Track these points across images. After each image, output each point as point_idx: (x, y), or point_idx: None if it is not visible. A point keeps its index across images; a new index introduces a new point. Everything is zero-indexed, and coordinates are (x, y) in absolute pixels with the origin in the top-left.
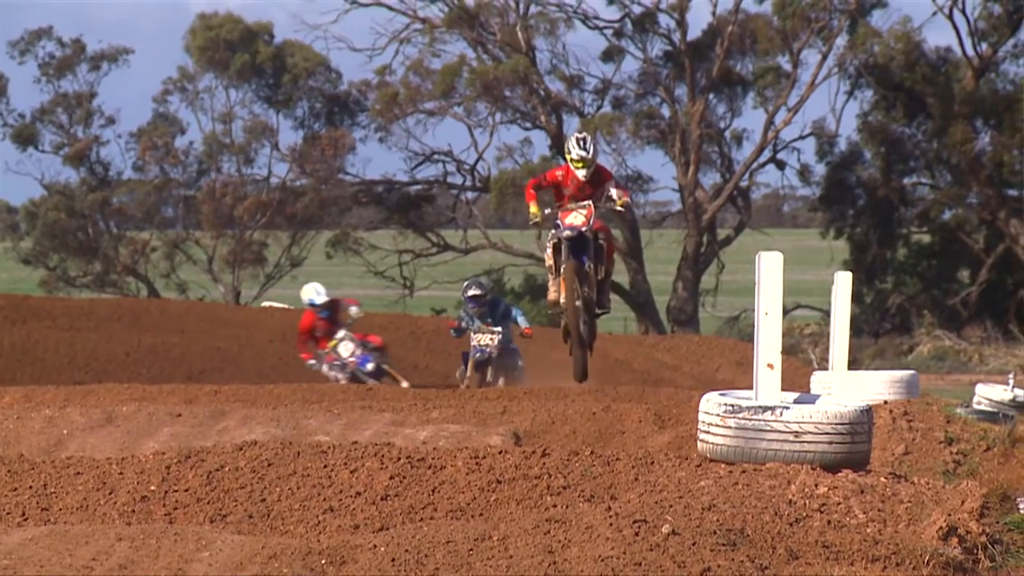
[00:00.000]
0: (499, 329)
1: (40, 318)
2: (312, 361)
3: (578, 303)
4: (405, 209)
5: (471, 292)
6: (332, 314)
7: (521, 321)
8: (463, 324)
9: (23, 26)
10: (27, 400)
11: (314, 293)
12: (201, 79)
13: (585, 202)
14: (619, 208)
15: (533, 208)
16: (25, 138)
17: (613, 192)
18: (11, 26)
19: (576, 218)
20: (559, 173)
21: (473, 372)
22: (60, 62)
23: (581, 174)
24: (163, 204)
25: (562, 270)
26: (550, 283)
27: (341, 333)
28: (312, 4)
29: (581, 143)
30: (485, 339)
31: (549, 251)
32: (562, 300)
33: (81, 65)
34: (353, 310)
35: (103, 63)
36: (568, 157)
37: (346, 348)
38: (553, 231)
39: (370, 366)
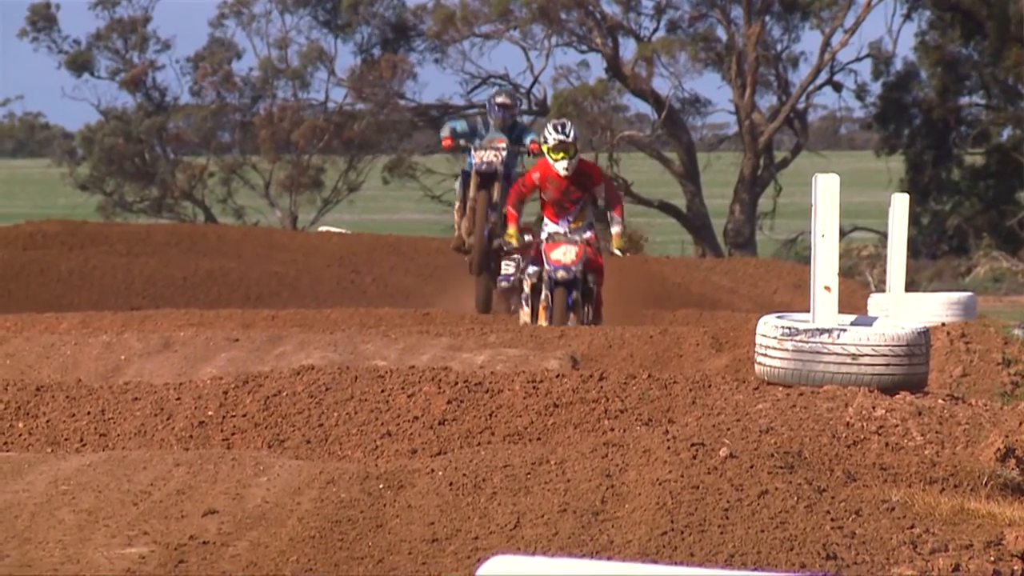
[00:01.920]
0: (504, 146)
1: (97, 243)
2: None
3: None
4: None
5: (501, 99)
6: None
7: (530, 135)
8: (463, 139)
9: None
10: (85, 326)
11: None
12: (256, 4)
13: (577, 236)
14: (615, 251)
15: (511, 230)
16: (80, 64)
17: (612, 225)
18: None
19: (566, 254)
20: (536, 176)
21: (476, 193)
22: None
23: (562, 167)
24: (220, 129)
25: (543, 300)
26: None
27: None
28: None
29: (559, 127)
30: (489, 155)
31: (527, 288)
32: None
33: None
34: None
35: None
36: (545, 148)
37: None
38: (530, 266)
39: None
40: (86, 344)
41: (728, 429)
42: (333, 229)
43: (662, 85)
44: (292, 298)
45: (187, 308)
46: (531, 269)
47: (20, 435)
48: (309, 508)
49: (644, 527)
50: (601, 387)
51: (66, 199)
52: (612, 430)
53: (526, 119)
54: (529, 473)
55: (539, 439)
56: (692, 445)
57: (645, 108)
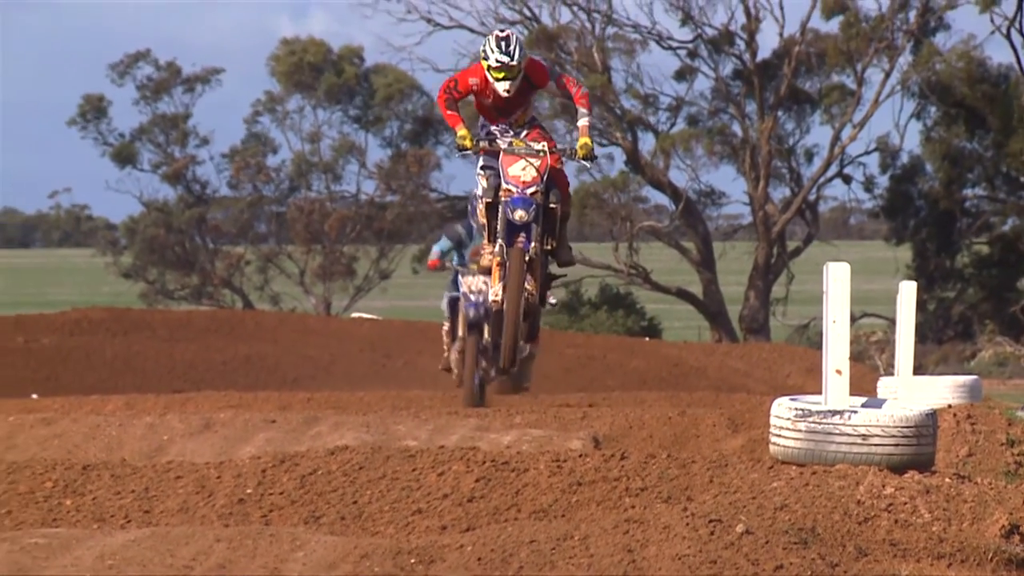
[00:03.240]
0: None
1: (140, 329)
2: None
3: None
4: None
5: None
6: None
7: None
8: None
9: (123, 50)
10: (129, 408)
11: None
12: (289, 100)
13: (538, 146)
14: (581, 160)
15: (461, 131)
16: (125, 157)
17: (579, 118)
18: (111, 50)
19: (526, 171)
20: (473, 81)
21: (467, 336)
22: (157, 84)
23: (502, 88)
24: (256, 220)
25: (497, 252)
26: (482, 249)
27: None
28: (398, 27)
29: (502, 43)
30: (478, 283)
31: (480, 205)
32: (491, 296)
33: (177, 87)
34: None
35: (197, 84)
36: (484, 64)
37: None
38: (487, 176)
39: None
40: (130, 425)
41: (744, 506)
42: (365, 315)
43: (679, 177)
44: (327, 381)
45: (226, 391)
46: (483, 183)
47: (68, 512)
48: None
49: None
50: (622, 466)
51: (110, 287)
52: (633, 507)
53: None
54: (554, 548)
55: (563, 516)
56: (710, 521)
57: (663, 199)
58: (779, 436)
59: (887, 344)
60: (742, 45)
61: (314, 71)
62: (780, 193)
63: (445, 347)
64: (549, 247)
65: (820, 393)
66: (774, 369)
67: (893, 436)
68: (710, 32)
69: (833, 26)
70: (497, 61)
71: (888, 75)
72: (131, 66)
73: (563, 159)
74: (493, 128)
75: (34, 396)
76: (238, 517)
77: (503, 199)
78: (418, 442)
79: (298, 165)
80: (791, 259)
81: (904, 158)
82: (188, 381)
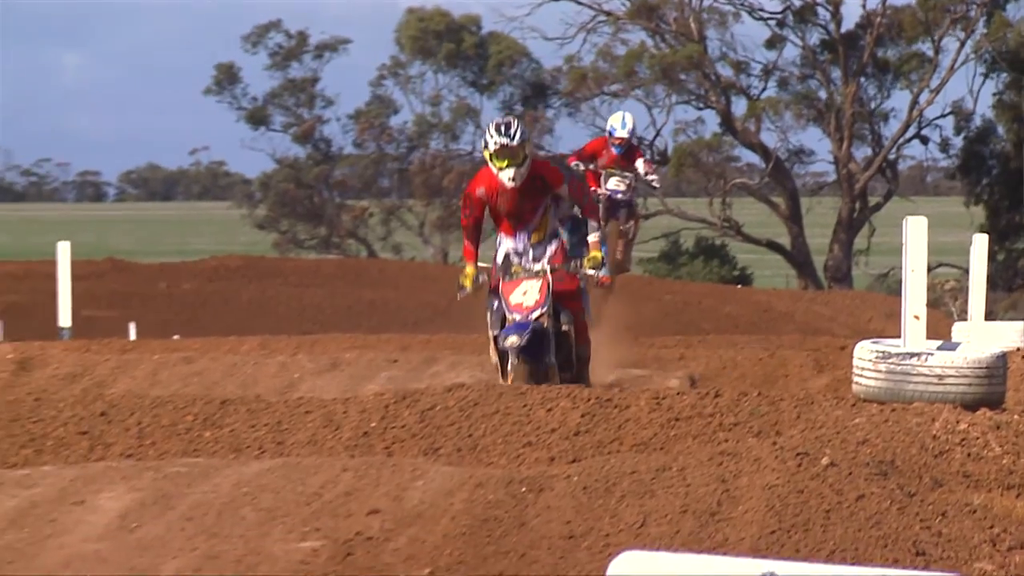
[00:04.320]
0: (630, 174)
1: (273, 276)
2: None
3: None
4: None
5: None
6: (625, 153)
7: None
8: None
9: (254, 21)
10: (263, 348)
11: (618, 122)
12: (411, 66)
13: (537, 266)
14: (589, 271)
15: (467, 268)
16: (258, 119)
17: (589, 233)
18: (243, 22)
19: (527, 295)
20: (480, 191)
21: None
22: (287, 52)
23: (507, 177)
24: (379, 176)
25: (511, 369)
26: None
27: (613, 176)
28: None
29: (501, 127)
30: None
31: (491, 346)
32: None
33: (305, 54)
34: (651, 177)
35: (325, 52)
36: (486, 153)
37: (613, 181)
38: (493, 311)
39: (619, 196)
40: (264, 364)
41: (829, 441)
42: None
43: (769, 138)
44: (444, 324)
45: (352, 333)
46: (492, 319)
47: (207, 443)
48: (460, 508)
49: (755, 526)
50: (717, 403)
51: (245, 237)
52: (726, 441)
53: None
54: (654, 479)
55: (662, 449)
56: (797, 454)
57: (754, 159)
58: (861, 376)
59: (961, 292)
60: (828, 16)
61: (436, 38)
62: (862, 153)
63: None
64: (569, 375)
65: (899, 337)
66: (856, 314)
67: (966, 376)
68: (798, 3)
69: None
70: (497, 143)
71: (963, 44)
72: (263, 36)
73: (576, 271)
74: (510, 251)
75: (176, 337)
76: (363, 449)
77: (505, 345)
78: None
79: (419, 125)
80: (872, 214)
81: (977, 121)
82: (317, 324)
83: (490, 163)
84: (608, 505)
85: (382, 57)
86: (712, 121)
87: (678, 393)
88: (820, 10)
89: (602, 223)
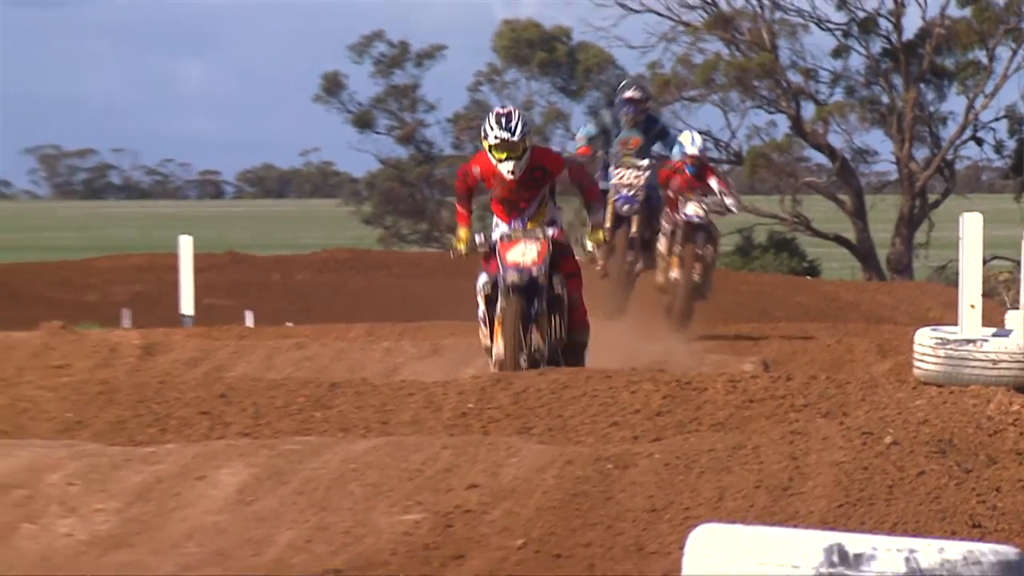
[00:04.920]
0: (647, 164)
1: (378, 268)
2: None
3: (522, 359)
4: None
5: (629, 93)
6: (698, 172)
7: (676, 157)
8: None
9: (359, 32)
10: (369, 334)
11: (688, 141)
12: (506, 72)
13: (538, 230)
14: (588, 248)
15: (461, 231)
16: (364, 122)
17: (590, 214)
18: (349, 32)
19: (525, 254)
20: (476, 170)
21: (611, 236)
22: (390, 60)
23: (506, 170)
24: None
25: (499, 312)
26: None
27: (691, 201)
28: (597, 10)
29: (502, 119)
30: (629, 176)
31: (481, 302)
32: (495, 351)
33: (407, 62)
34: (729, 201)
35: (425, 59)
36: (485, 144)
37: (691, 206)
38: (481, 275)
39: (696, 220)
40: (370, 349)
41: (891, 421)
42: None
43: (836, 140)
44: None
45: (451, 321)
46: (483, 278)
47: (317, 422)
48: (551, 483)
49: (824, 500)
50: (788, 386)
51: (352, 232)
52: (797, 421)
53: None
54: (730, 456)
55: (737, 428)
56: (862, 434)
57: (822, 159)
58: (921, 361)
59: (1013, 283)
60: (889, 27)
61: (529, 47)
62: (922, 153)
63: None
64: (558, 337)
65: (957, 324)
66: (917, 304)
67: (1019, 361)
68: (862, 15)
69: (967, 11)
70: (497, 137)
71: (1015, 53)
72: (368, 45)
73: (577, 244)
74: (505, 229)
75: (289, 324)
76: (461, 428)
77: (499, 280)
78: (615, 363)
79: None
80: (931, 210)
81: None
82: (418, 312)
83: (488, 153)
84: (688, 481)
85: (479, 64)
86: (783, 124)
87: (752, 376)
88: (882, 21)
89: (672, 244)
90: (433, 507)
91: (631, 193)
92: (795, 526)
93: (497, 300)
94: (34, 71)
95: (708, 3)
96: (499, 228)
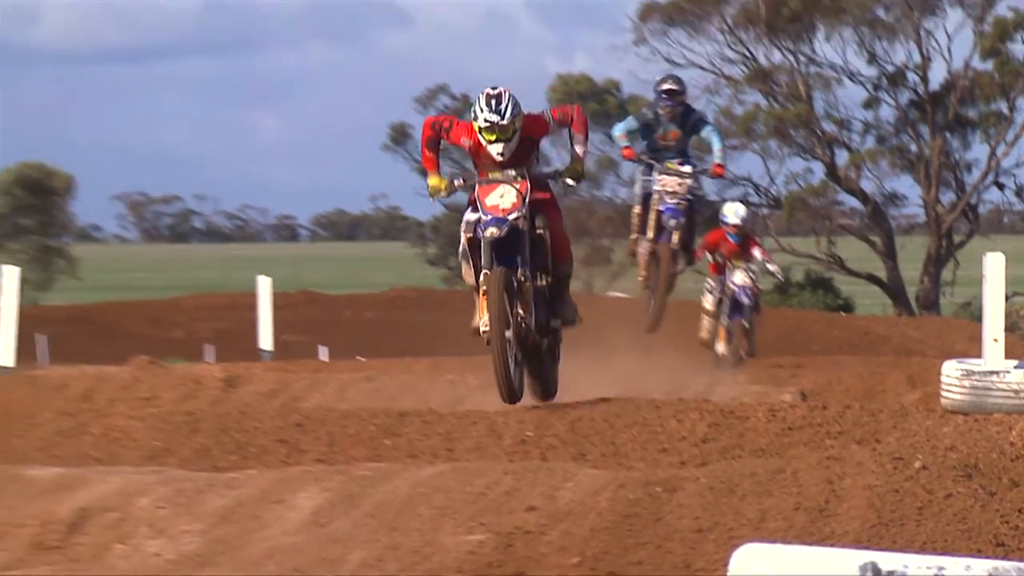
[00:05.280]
0: (690, 171)
1: (442, 305)
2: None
3: (508, 333)
4: (715, 221)
5: (667, 86)
6: (742, 241)
7: (716, 146)
8: (637, 140)
9: (424, 85)
10: (434, 368)
11: (732, 212)
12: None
13: (514, 172)
14: (568, 181)
15: (432, 180)
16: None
17: (574, 144)
18: (415, 85)
19: (504, 198)
20: (466, 141)
21: (652, 248)
22: (453, 111)
23: (495, 151)
24: None
25: (481, 282)
26: (475, 297)
27: (739, 270)
28: (645, 65)
29: (492, 101)
30: (673, 183)
31: (463, 244)
32: (482, 327)
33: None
34: (773, 268)
35: None
36: (475, 125)
37: (738, 275)
38: (467, 213)
39: (745, 300)
40: (436, 382)
41: (920, 447)
42: (618, 294)
43: (868, 185)
44: (588, 346)
45: None
46: (468, 216)
47: (387, 449)
48: (605, 506)
49: (858, 521)
50: (824, 415)
51: (418, 272)
52: (833, 447)
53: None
54: (771, 479)
55: (777, 454)
56: (894, 459)
57: (855, 203)
58: (948, 391)
59: None
60: (916, 80)
61: (581, 99)
62: (948, 197)
63: (633, 231)
64: (544, 283)
65: (981, 357)
66: (944, 337)
67: None
68: (891, 69)
69: (989, 65)
70: (486, 120)
71: None
72: (433, 97)
73: (552, 189)
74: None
75: (360, 358)
76: (521, 454)
77: (482, 234)
78: (662, 395)
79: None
80: (957, 250)
81: None
82: (480, 347)
83: (478, 134)
84: (731, 503)
85: None
86: (818, 171)
87: (791, 406)
88: (910, 75)
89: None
90: (495, 528)
91: (675, 203)
92: (832, 545)
93: (479, 249)
94: (123, 123)
95: (748, 58)
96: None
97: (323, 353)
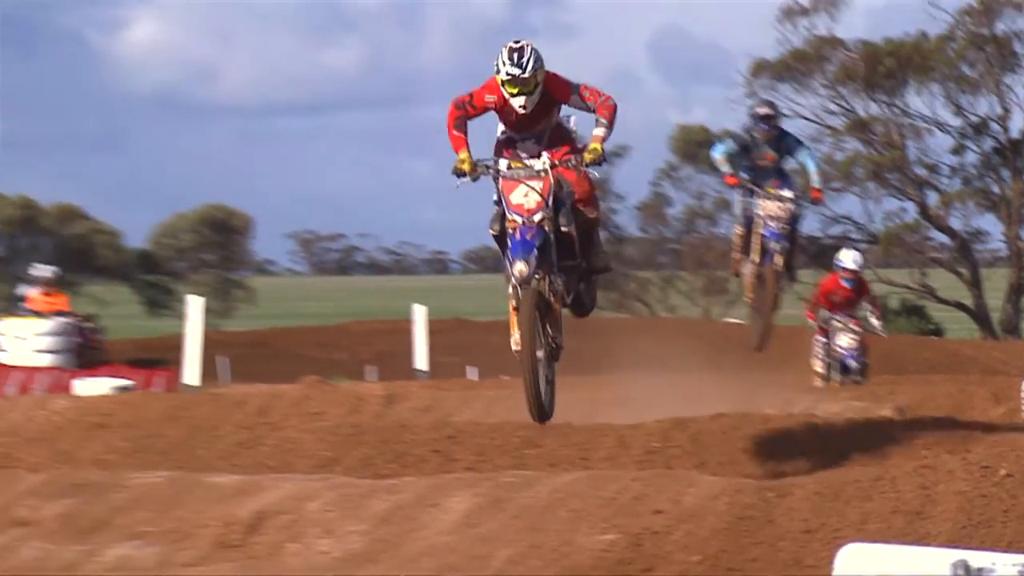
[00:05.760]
0: (791, 196)
1: (578, 331)
2: (811, 322)
3: (539, 353)
4: (821, 255)
5: (762, 110)
6: (856, 286)
7: (812, 170)
8: (737, 164)
9: None
10: (569, 386)
11: (848, 258)
12: (681, 169)
13: (539, 165)
14: (586, 166)
15: (462, 154)
16: None
17: (596, 127)
18: None
19: (528, 196)
20: (490, 98)
21: (757, 271)
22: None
23: (518, 104)
24: (658, 253)
25: (511, 296)
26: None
27: (844, 333)
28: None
29: (515, 55)
30: (775, 207)
31: (493, 231)
32: (513, 344)
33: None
34: (876, 324)
35: (614, 158)
36: (497, 78)
37: (844, 338)
38: (497, 200)
39: (852, 364)
40: (572, 399)
41: (1005, 456)
42: (734, 320)
43: (955, 222)
44: (709, 367)
45: (637, 373)
46: (494, 211)
47: (530, 459)
48: (723, 509)
49: (949, 523)
50: (919, 427)
51: None
52: (926, 457)
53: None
54: (871, 485)
55: (877, 463)
56: (981, 467)
57: (944, 239)
58: None
59: None
60: (998, 128)
61: (699, 147)
62: None
63: (735, 251)
64: (576, 264)
65: None
66: None
67: None
68: (975, 120)
69: None
70: (508, 74)
71: None
72: None
73: (577, 166)
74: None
75: (505, 378)
76: (648, 463)
77: (509, 230)
78: (773, 410)
79: (687, 215)
80: None
81: None
82: (614, 368)
83: (501, 87)
84: (836, 507)
85: (658, 162)
86: (911, 210)
87: (889, 420)
88: (992, 124)
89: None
90: (626, 529)
91: (778, 228)
92: (926, 544)
93: (507, 239)
94: (295, 169)
95: (847, 110)
96: (503, 160)
97: (472, 373)
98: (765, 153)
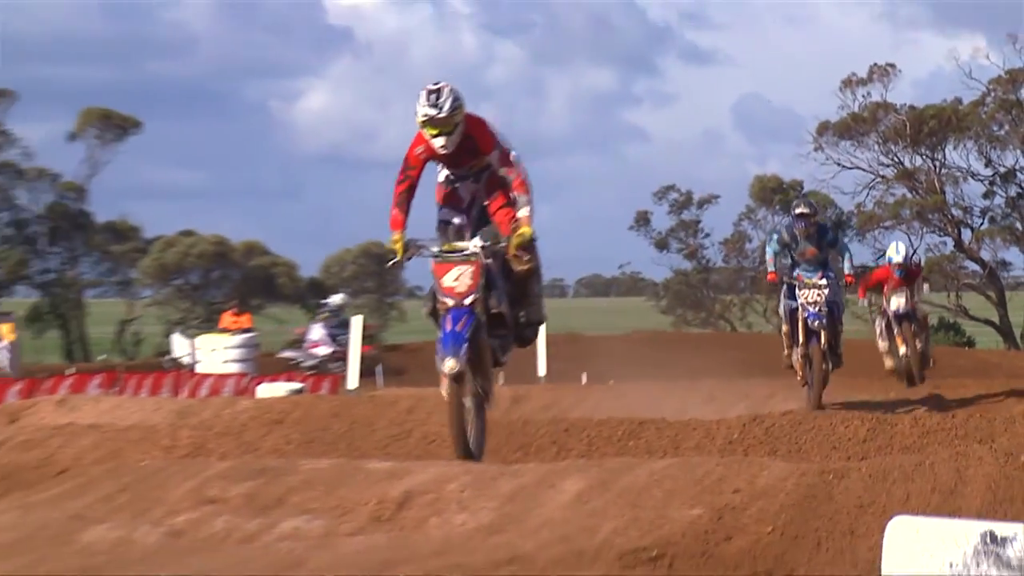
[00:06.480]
0: (826, 283)
1: (673, 344)
2: (862, 300)
3: (466, 402)
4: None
5: (800, 210)
6: (906, 276)
7: (845, 258)
8: (780, 261)
9: (659, 183)
10: (664, 390)
11: (894, 251)
12: (758, 211)
13: (471, 248)
14: (514, 254)
15: (394, 236)
16: (662, 245)
17: (517, 207)
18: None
19: (459, 280)
20: (419, 150)
21: (804, 352)
22: (679, 203)
23: (438, 144)
24: (739, 280)
25: (444, 392)
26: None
27: (895, 296)
28: (821, 168)
29: (431, 96)
30: (812, 295)
31: (426, 310)
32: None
33: (691, 205)
34: (924, 309)
35: (704, 204)
36: (417, 120)
37: (894, 300)
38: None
39: (904, 311)
40: (666, 397)
41: None
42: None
43: (986, 254)
44: (777, 372)
45: (719, 378)
46: (428, 290)
47: (631, 448)
48: (791, 488)
49: (979, 500)
50: (953, 422)
51: (654, 319)
52: (959, 446)
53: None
54: (913, 470)
55: (919, 451)
56: (1005, 454)
57: (976, 267)
58: None
59: None
60: (1022, 177)
61: (773, 193)
62: None
63: (785, 348)
64: (504, 341)
65: None
66: None
67: None
68: (1003, 170)
69: None
70: (425, 115)
71: None
72: (665, 193)
73: (506, 251)
74: (452, 217)
75: (611, 382)
76: (729, 451)
77: (441, 312)
78: (834, 407)
79: (763, 249)
80: None
81: None
82: (700, 373)
83: (422, 129)
84: (884, 487)
85: (740, 206)
86: (949, 244)
87: (929, 415)
88: (1017, 174)
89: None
90: (710, 505)
91: (817, 310)
92: (959, 517)
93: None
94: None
95: (897, 162)
96: (440, 214)
97: (584, 378)
98: (807, 249)
